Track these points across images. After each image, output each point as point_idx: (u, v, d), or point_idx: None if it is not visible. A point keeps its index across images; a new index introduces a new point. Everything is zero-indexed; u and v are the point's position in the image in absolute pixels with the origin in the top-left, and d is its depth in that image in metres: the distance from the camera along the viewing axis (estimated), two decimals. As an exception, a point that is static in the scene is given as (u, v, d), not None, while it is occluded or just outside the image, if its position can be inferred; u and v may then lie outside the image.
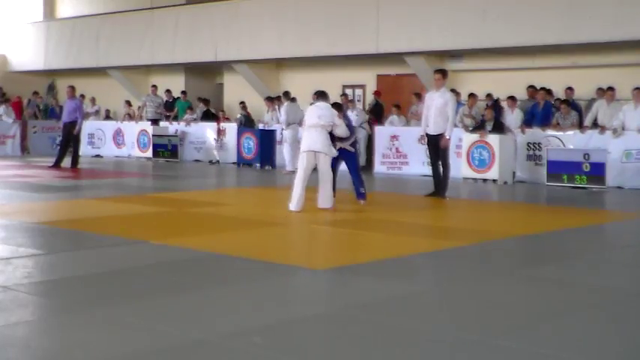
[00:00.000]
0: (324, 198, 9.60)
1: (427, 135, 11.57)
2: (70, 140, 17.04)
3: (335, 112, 9.78)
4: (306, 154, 9.57)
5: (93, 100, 23.29)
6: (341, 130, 9.82)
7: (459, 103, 16.12)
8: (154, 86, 21.71)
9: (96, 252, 6.82)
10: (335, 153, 9.77)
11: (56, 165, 16.73)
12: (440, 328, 4.53)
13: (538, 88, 15.75)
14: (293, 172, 12.52)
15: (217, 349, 4.06)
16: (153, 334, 4.29)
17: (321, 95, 10.06)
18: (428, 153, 12.02)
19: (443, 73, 11.68)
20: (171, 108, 21.38)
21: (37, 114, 23.81)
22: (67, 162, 16.83)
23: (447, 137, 11.34)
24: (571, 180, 13.16)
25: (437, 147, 11.48)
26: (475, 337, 4.31)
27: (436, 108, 11.36)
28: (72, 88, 17.52)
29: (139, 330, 4.37)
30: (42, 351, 4.07)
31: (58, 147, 17.88)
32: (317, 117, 9.62)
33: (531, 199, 12.19)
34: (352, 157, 10.22)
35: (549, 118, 14.77)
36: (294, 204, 9.43)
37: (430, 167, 11.96)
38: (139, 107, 21.57)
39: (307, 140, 9.64)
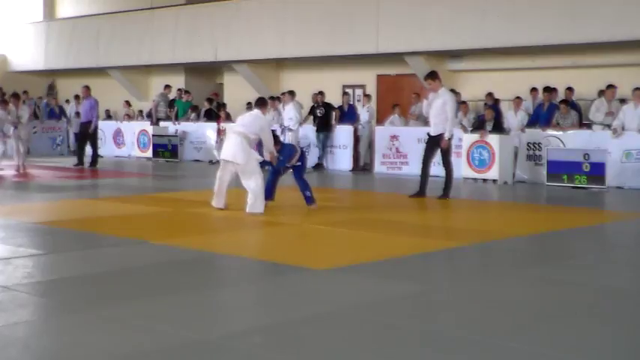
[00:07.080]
0: (251, 205, 9.39)
1: (428, 135, 11.47)
2: (86, 139, 17.15)
3: (263, 122, 9.63)
4: (222, 162, 9.67)
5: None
6: (266, 139, 9.60)
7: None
8: (168, 86, 21.31)
9: (96, 252, 6.82)
10: (258, 158, 9.58)
11: (79, 164, 16.90)
12: (440, 327, 4.53)
13: (539, 88, 15.75)
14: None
15: (217, 349, 4.05)
16: (153, 334, 4.29)
17: (257, 103, 9.96)
18: (424, 151, 11.62)
19: (432, 76, 11.35)
20: (170, 107, 21.16)
21: (37, 112, 23.69)
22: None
23: (447, 138, 11.10)
24: (571, 180, 13.15)
25: (435, 148, 11.35)
26: (476, 337, 4.31)
27: (435, 108, 11.18)
28: (87, 88, 17.53)
29: (139, 330, 4.37)
30: (42, 351, 4.07)
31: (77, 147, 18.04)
32: (241, 125, 9.59)
33: (531, 199, 12.17)
34: (297, 168, 9.93)
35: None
36: (214, 201, 9.65)
37: (421, 166, 11.47)
38: (156, 106, 21.17)
39: (224, 147, 9.70)
